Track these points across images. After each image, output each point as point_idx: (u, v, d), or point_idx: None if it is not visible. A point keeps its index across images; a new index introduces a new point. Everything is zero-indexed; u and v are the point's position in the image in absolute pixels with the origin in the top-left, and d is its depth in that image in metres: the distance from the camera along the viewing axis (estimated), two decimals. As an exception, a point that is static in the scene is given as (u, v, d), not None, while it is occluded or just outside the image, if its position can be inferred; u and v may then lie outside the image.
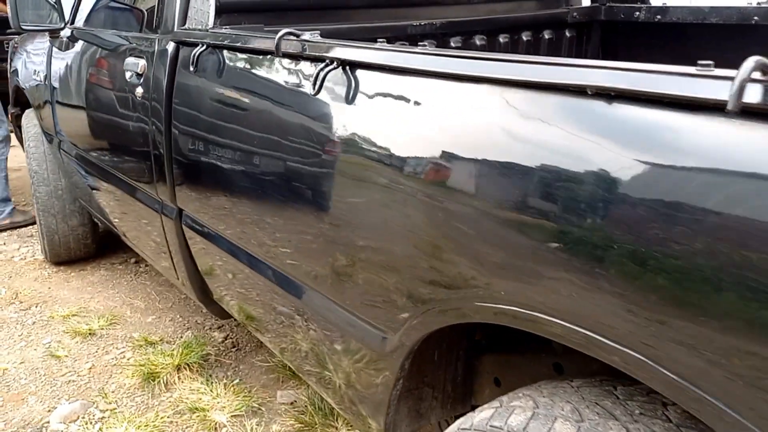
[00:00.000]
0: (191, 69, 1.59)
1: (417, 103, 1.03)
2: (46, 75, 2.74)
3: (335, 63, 1.16)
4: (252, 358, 2.44)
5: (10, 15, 2.44)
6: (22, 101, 3.34)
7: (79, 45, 2.44)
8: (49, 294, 2.98)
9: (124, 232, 2.50)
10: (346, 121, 1.14)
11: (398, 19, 2.10)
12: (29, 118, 3.16)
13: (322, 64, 1.18)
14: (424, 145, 0.99)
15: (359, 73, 1.14)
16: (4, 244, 3.58)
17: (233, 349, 2.51)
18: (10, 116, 3.60)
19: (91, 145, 2.43)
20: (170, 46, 1.76)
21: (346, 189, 1.16)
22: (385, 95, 1.09)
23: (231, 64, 1.49)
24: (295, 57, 1.27)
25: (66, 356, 2.46)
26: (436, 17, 2.16)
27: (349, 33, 1.98)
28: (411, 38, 2.12)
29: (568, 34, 2.44)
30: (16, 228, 3.74)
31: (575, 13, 2.42)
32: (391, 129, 1.06)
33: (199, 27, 1.65)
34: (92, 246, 3.23)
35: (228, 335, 2.59)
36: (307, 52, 1.23)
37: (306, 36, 1.26)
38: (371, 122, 1.10)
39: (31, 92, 3.03)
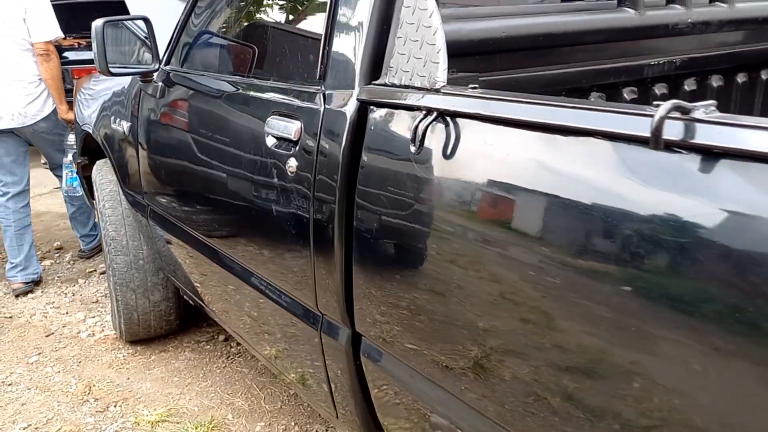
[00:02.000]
0: (413, 148, 1.04)
1: None
2: (131, 126, 2.24)
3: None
4: (403, 494, 1.88)
5: (95, 56, 1.94)
6: (91, 149, 2.85)
7: (180, 92, 1.92)
8: (129, 387, 2.45)
9: (237, 331, 1.95)
10: None
11: (627, 56, 1.54)
12: (103, 172, 2.66)
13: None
14: None
15: None
16: (67, 313, 3.08)
17: (373, 477, 1.95)
18: (75, 165, 3.12)
19: (198, 219, 1.90)
20: (350, 108, 1.22)
21: None
22: None
23: (512, 151, 0.93)
24: (693, 150, 0.71)
25: (164, 489, 1.93)
26: (669, 51, 1.60)
27: (575, 78, 1.44)
28: (642, 81, 1.57)
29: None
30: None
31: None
32: None
33: (417, 83, 1.09)
34: (175, 322, 2.71)
35: (363, 455, 2.03)
36: (727, 145, 0.67)
37: (699, 113, 0.71)
38: None
39: (107, 143, 2.53)
